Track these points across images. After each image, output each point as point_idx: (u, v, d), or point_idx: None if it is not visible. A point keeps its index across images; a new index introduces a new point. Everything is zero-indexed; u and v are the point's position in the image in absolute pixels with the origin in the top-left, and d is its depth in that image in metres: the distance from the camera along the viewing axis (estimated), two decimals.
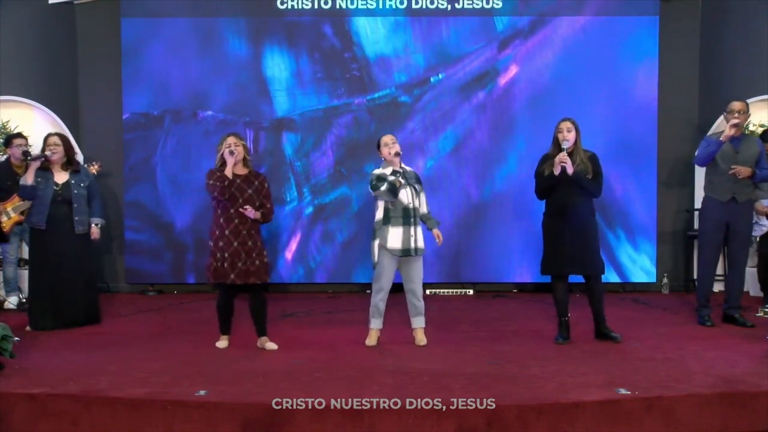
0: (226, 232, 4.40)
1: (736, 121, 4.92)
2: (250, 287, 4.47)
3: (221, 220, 4.43)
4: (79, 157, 6.80)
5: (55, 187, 5.15)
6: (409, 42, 6.91)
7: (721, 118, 5.20)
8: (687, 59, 6.99)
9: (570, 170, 4.45)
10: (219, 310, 4.56)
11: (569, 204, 4.54)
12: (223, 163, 4.45)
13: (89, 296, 5.36)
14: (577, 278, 4.74)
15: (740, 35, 6.86)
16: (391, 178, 4.46)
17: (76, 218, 5.20)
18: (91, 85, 7.11)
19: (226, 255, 4.37)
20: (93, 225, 5.34)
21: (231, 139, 4.48)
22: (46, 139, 5.26)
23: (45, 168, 5.16)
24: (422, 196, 4.67)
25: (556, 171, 4.47)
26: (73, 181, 5.22)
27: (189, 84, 6.93)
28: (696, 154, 5.18)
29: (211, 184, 4.40)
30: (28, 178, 5.03)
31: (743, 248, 5.18)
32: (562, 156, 4.45)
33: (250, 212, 4.39)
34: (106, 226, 7.06)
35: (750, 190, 5.13)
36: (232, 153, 4.40)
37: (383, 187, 4.44)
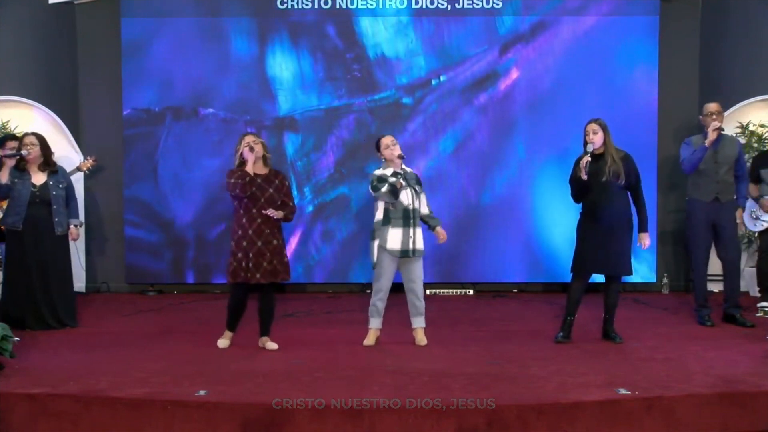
0: (250, 232, 4.37)
1: (719, 124, 4.95)
2: (265, 287, 4.47)
3: (243, 220, 4.40)
4: (77, 157, 6.83)
5: (32, 188, 5.07)
6: (411, 44, 6.91)
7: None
8: (687, 59, 6.98)
9: (584, 177, 4.43)
10: (232, 308, 4.53)
11: (600, 205, 4.51)
12: (242, 163, 4.42)
13: (65, 299, 5.26)
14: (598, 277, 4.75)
15: (740, 35, 6.85)
16: (392, 179, 4.45)
17: (56, 219, 5.14)
18: (91, 85, 7.11)
19: (251, 255, 4.34)
20: (72, 226, 5.28)
21: (249, 138, 4.45)
22: (21, 138, 5.22)
23: (22, 168, 5.08)
24: (423, 197, 4.67)
25: (583, 176, 4.44)
26: (51, 182, 5.14)
27: (189, 83, 6.92)
28: (681, 159, 5.20)
29: (232, 182, 4.35)
30: (2, 177, 4.94)
31: (734, 246, 5.24)
32: (585, 160, 4.41)
33: (273, 213, 4.37)
34: (106, 225, 7.13)
35: (733, 189, 5.18)
36: (252, 150, 4.37)
37: (384, 189, 4.44)
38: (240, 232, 4.40)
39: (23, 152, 5.04)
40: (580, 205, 4.70)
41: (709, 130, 4.94)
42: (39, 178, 5.14)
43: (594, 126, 4.52)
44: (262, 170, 4.48)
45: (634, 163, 4.59)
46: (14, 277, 5.13)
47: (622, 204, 4.58)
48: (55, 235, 5.14)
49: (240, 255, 4.36)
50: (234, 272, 4.38)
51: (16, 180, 5.03)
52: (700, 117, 5.22)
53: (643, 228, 4.66)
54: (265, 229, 4.39)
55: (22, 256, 5.07)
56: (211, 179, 6.79)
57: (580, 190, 4.56)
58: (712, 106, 5.12)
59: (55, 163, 5.27)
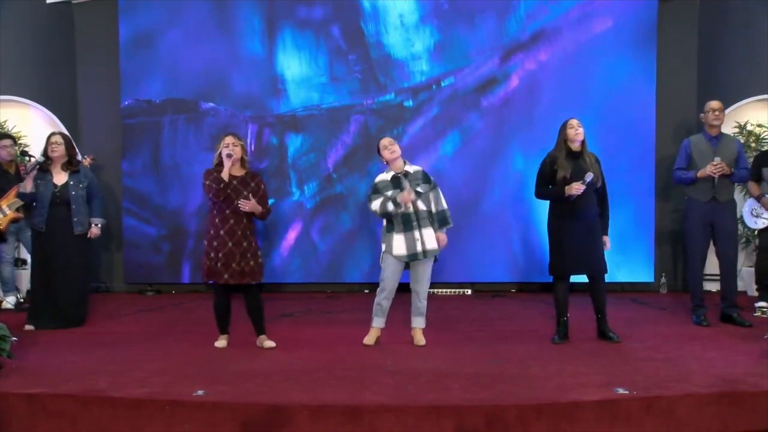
0: (221, 232, 4.38)
1: (720, 171, 4.91)
2: (245, 287, 4.46)
3: (216, 220, 4.41)
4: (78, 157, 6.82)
5: (53, 189, 5.14)
6: (415, 47, 6.93)
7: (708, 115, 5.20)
8: (685, 60, 6.99)
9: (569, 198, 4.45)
10: (215, 310, 4.56)
11: (578, 206, 4.50)
12: (220, 163, 4.41)
13: (80, 298, 5.34)
14: (579, 277, 4.74)
15: (739, 35, 6.87)
16: (389, 193, 4.43)
17: (75, 219, 5.19)
18: (89, 85, 7.11)
19: (221, 255, 4.35)
20: (93, 225, 5.33)
21: (229, 139, 4.43)
22: (48, 138, 5.27)
23: (44, 170, 5.16)
24: (433, 194, 4.58)
25: (570, 195, 4.41)
26: (72, 182, 5.20)
27: (191, 79, 6.96)
28: (675, 167, 5.23)
29: (207, 184, 4.38)
30: (27, 187, 5.07)
31: (732, 246, 5.21)
32: (578, 187, 4.38)
33: (244, 204, 4.34)
34: (105, 225, 7.12)
35: (731, 189, 5.18)
36: (229, 156, 4.36)
37: (375, 207, 4.46)
38: (212, 231, 4.41)
39: (40, 159, 5.13)
40: (548, 203, 4.69)
41: (709, 168, 4.92)
42: (60, 178, 5.20)
43: (578, 120, 4.53)
44: (239, 172, 4.47)
45: (601, 166, 4.65)
46: (35, 277, 5.23)
47: (596, 205, 4.60)
48: (74, 234, 5.19)
49: (212, 255, 4.37)
50: (208, 271, 4.39)
51: (39, 182, 5.11)
52: (701, 114, 5.19)
53: (606, 231, 4.68)
54: (237, 230, 4.39)
55: (45, 256, 5.16)
56: None
57: (557, 200, 4.55)
58: (714, 104, 5.10)
59: (78, 163, 5.35)
